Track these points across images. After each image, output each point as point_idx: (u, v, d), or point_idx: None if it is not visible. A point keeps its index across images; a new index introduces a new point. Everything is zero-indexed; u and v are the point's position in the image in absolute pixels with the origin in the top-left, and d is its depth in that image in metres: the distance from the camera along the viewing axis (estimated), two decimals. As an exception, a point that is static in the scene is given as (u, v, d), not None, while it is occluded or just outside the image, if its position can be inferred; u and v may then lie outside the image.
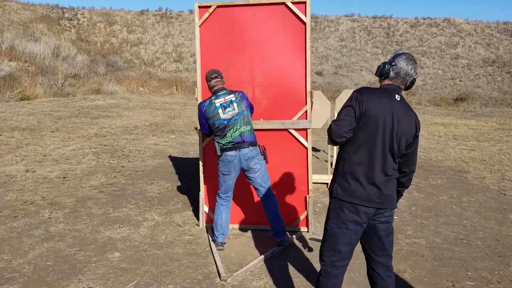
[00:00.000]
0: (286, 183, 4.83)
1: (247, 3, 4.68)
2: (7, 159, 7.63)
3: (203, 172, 5.00)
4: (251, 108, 4.44)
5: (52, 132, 10.30)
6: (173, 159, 8.24)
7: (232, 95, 4.26)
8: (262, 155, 4.35)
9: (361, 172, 2.71)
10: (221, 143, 4.20)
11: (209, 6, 4.76)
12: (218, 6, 4.74)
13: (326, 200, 6.11)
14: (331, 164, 7.47)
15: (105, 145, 9.06)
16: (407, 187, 2.96)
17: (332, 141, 2.80)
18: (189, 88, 22.45)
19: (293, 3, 4.59)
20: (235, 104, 4.22)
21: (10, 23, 23.46)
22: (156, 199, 5.90)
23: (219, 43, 4.80)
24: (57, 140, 9.41)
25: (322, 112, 6.96)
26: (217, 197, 4.50)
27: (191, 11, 27.44)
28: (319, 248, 2.95)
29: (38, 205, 5.44)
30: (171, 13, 27.01)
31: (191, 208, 5.57)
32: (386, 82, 2.81)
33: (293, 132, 4.73)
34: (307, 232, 4.84)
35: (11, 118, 11.89)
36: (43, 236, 4.50)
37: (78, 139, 9.66)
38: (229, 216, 4.54)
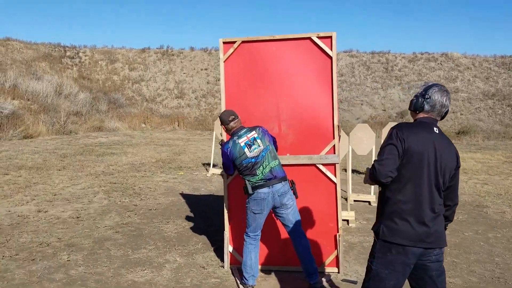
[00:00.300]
0: (314, 220, 4.68)
1: (272, 38, 4.65)
2: (17, 198, 7.44)
3: (228, 211, 4.85)
4: (274, 141, 4.35)
5: (59, 170, 10.14)
6: (185, 196, 8.08)
7: (254, 132, 4.18)
8: (291, 190, 4.23)
9: (409, 212, 2.64)
10: (252, 181, 4.07)
11: (234, 42, 4.73)
12: (243, 42, 4.72)
13: (350, 238, 5.93)
14: (346, 199, 7.33)
15: (115, 183, 8.90)
16: (451, 221, 2.91)
17: (377, 182, 2.71)
18: (191, 124, 22.46)
19: (319, 37, 4.56)
20: (259, 141, 4.14)
21: (13, 62, 23.62)
22: (175, 239, 5.71)
23: (244, 78, 4.74)
24: (65, 178, 9.24)
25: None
26: (245, 237, 4.34)
27: (192, 49, 27.80)
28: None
29: (55, 247, 5.24)
30: (172, 51, 27.31)
31: (212, 248, 5.38)
32: (421, 115, 2.80)
33: (321, 167, 4.62)
34: (338, 273, 4.65)
35: (16, 156, 11.74)
36: (64, 280, 4.29)
37: (86, 177, 9.50)
38: (258, 256, 4.37)
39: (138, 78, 25.26)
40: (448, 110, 2.81)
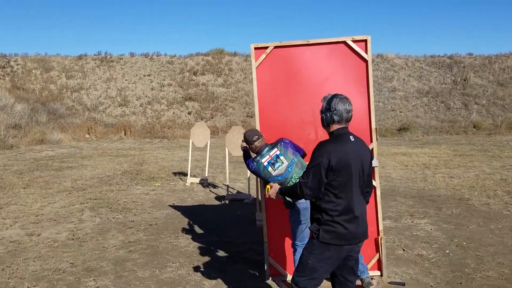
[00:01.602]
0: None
1: (306, 43, 4.58)
2: (-4, 222, 6.79)
3: (266, 223, 4.72)
4: (298, 149, 4.30)
5: (24, 188, 9.39)
6: (177, 208, 7.77)
7: (276, 149, 4.15)
8: None
9: (343, 217, 2.93)
10: None
11: (266, 47, 4.61)
12: (276, 47, 4.61)
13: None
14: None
15: (95, 199, 8.37)
16: (368, 202, 3.22)
17: (304, 199, 3.08)
18: (138, 132, 21.72)
19: (354, 41, 4.56)
20: (282, 157, 4.11)
21: None
22: (195, 254, 5.46)
23: (277, 84, 4.64)
24: (36, 197, 8.57)
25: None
26: (294, 247, 4.26)
27: (132, 54, 26.89)
28: (293, 277, 3.15)
29: (73, 273, 4.82)
30: (111, 57, 26.23)
31: (240, 261, 5.20)
32: (334, 127, 3.05)
33: (360, 172, 4.61)
34: (381, 276, 4.66)
35: (-34, 176, 10.73)
36: (111, 310, 3.96)
37: (59, 194, 8.86)
38: None
39: (77, 86, 24.00)
40: (352, 114, 3.09)
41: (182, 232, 6.32)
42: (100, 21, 66.54)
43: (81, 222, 6.84)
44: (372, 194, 4.61)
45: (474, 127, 22.68)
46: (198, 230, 6.49)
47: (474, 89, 25.30)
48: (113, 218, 7.07)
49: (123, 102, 23.53)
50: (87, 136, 21.31)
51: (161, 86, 24.61)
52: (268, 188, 3.47)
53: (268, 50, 4.60)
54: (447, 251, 5.42)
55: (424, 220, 6.77)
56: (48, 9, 62.46)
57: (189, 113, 23.13)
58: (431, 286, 4.47)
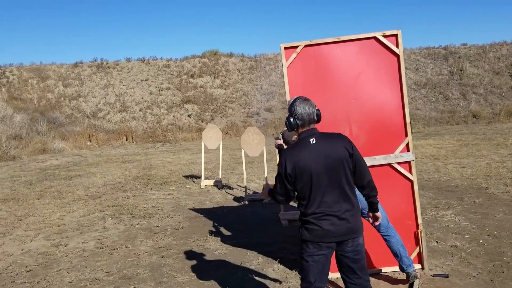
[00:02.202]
0: (392, 220, 4.66)
1: (336, 40, 4.57)
2: (19, 235, 6.72)
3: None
4: None
5: (38, 199, 9.31)
6: (199, 211, 7.74)
7: None
8: None
9: (318, 218, 2.97)
10: None
11: (296, 46, 4.60)
12: (306, 46, 4.59)
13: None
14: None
15: (114, 206, 8.32)
16: (376, 194, 3.19)
17: (281, 204, 3.32)
18: (140, 137, 21.63)
19: (385, 36, 4.56)
20: None
21: None
22: (229, 256, 5.44)
23: (309, 82, 4.62)
24: (53, 207, 8.50)
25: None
26: None
27: (129, 60, 26.75)
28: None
29: (111, 282, 4.78)
30: (107, 63, 26.07)
31: (276, 261, 5.17)
32: (300, 130, 3.10)
33: (396, 166, 4.61)
34: (422, 269, 4.66)
35: (-24, 189, 10.62)
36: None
37: (74, 203, 8.80)
38: None
39: (74, 94, 23.83)
40: (318, 113, 3.10)
41: (211, 235, 6.29)
42: (94, 28, 66.07)
43: (105, 230, 6.79)
44: (409, 188, 4.64)
45: (474, 116, 22.80)
46: (225, 232, 6.46)
47: (471, 79, 25.43)
48: (137, 224, 7.03)
49: (122, 107, 23.42)
50: (88, 143, 21.20)
51: (159, 90, 24.52)
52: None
53: (298, 49, 4.59)
54: (481, 241, 5.44)
55: (450, 211, 6.78)
56: (40, 18, 61.91)
57: (189, 116, 23.07)
58: (474, 276, 4.48)
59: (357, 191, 3.14)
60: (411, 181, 4.63)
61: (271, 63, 26.72)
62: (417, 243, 4.68)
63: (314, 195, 2.96)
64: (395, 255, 4.34)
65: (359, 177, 3.07)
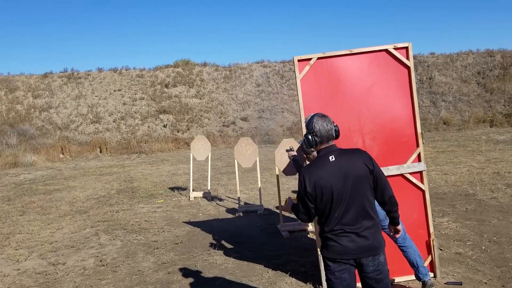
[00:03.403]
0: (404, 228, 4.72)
1: (348, 52, 4.63)
2: (12, 254, 6.45)
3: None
4: None
5: (21, 215, 8.98)
6: (194, 224, 7.63)
7: None
8: None
9: (336, 236, 2.95)
10: None
11: (309, 59, 4.63)
12: (319, 58, 4.63)
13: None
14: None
15: (104, 221, 8.10)
16: (397, 209, 3.18)
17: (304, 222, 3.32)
18: (114, 148, 21.21)
19: (395, 48, 4.64)
20: None
21: None
22: (238, 270, 5.38)
23: (322, 94, 4.65)
24: (40, 223, 8.21)
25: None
26: None
27: (100, 70, 26.27)
28: None
29: (123, 301, 4.64)
30: (78, 74, 25.50)
31: (288, 274, 5.14)
32: (319, 147, 3.08)
33: (408, 176, 4.68)
34: (434, 277, 4.73)
35: (-48, 206, 10.15)
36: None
37: (61, 219, 8.52)
38: None
39: (45, 105, 23.19)
40: (336, 129, 3.09)
41: (214, 249, 6.20)
42: (63, 37, 64.39)
43: (102, 247, 6.60)
44: (421, 197, 4.71)
45: (444, 124, 23.45)
46: (227, 245, 6.39)
47: (440, 87, 26.18)
48: (134, 239, 6.87)
49: (95, 119, 22.95)
50: (61, 156, 20.64)
51: (133, 101, 24.17)
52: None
53: (311, 62, 4.62)
54: (483, 247, 5.57)
55: (446, 218, 6.92)
56: (6, 27, 59.94)
57: (165, 126, 22.81)
58: (486, 283, 4.57)
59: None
60: (423, 191, 4.71)
61: (245, 73, 26.78)
62: (429, 251, 4.75)
63: (333, 212, 2.93)
64: (412, 265, 4.40)
65: (381, 193, 3.05)
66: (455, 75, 27.03)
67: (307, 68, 4.62)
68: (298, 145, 6.66)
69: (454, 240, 5.91)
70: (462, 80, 26.66)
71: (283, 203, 8.03)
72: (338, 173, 2.92)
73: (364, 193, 2.95)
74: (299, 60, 4.63)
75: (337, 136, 3.09)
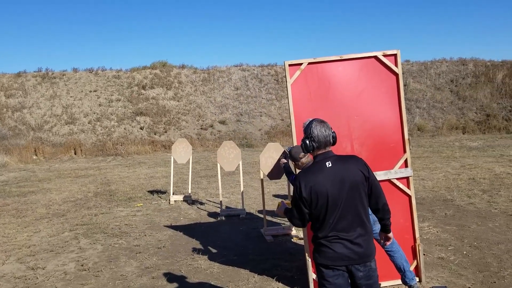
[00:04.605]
0: (391, 234, 4.77)
1: (339, 58, 4.67)
2: (-12, 258, 6.25)
3: (308, 239, 4.70)
4: None
5: (-5, 218, 8.72)
6: (176, 228, 7.54)
7: None
8: None
9: (329, 242, 2.96)
10: None
11: (300, 64, 4.64)
12: (310, 63, 4.65)
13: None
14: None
15: (83, 224, 7.94)
16: (389, 216, 3.18)
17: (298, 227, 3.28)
18: (89, 150, 20.84)
19: (384, 55, 4.70)
20: None
21: None
22: (222, 275, 5.33)
23: (312, 99, 4.68)
24: (16, 226, 7.99)
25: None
26: None
27: (76, 70, 25.81)
28: None
29: (108, 306, 4.55)
30: (53, 73, 24.98)
31: (275, 279, 5.13)
32: (315, 153, 3.08)
33: (395, 181, 4.74)
34: (419, 282, 4.79)
35: None
36: None
37: (38, 222, 8.32)
38: None
39: (18, 105, 22.63)
40: (333, 135, 3.09)
41: (197, 253, 6.14)
42: (37, 36, 62.81)
43: (82, 251, 6.46)
44: (407, 202, 4.78)
45: (419, 130, 23.86)
46: (211, 249, 6.34)
47: (415, 94, 26.65)
48: (115, 243, 6.75)
49: (70, 120, 22.52)
50: (34, 157, 20.17)
51: (109, 102, 23.82)
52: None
53: (302, 67, 4.64)
54: (464, 252, 5.68)
55: (426, 223, 7.03)
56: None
57: (141, 128, 22.55)
58: (469, 287, 4.66)
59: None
60: (409, 196, 4.78)
61: (224, 76, 26.72)
62: (415, 256, 4.81)
63: (328, 218, 2.93)
64: (399, 269, 4.45)
65: (375, 200, 3.05)
66: (429, 82, 27.58)
67: (297, 73, 4.63)
68: (283, 149, 6.68)
69: (436, 245, 6.01)
70: (436, 87, 27.22)
71: (272, 208, 8.04)
72: (334, 179, 2.92)
73: (359, 200, 2.96)
74: (290, 65, 4.64)
75: (334, 142, 3.09)
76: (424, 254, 5.59)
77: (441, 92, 26.87)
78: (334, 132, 3.11)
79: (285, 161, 4.73)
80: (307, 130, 3.07)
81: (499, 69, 26.79)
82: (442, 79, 27.87)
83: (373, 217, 4.08)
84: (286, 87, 4.71)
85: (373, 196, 3.03)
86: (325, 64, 4.67)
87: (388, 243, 3.39)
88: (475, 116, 24.37)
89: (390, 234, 3.32)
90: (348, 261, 2.94)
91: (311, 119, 3.16)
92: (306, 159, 4.41)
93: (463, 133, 22.83)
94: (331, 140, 3.06)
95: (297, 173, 4.63)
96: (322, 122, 3.08)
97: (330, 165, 2.97)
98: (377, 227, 3.99)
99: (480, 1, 61.73)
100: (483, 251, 5.68)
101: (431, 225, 6.93)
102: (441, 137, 22.41)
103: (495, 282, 4.73)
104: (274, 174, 6.80)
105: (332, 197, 2.90)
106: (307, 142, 3.05)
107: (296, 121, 4.65)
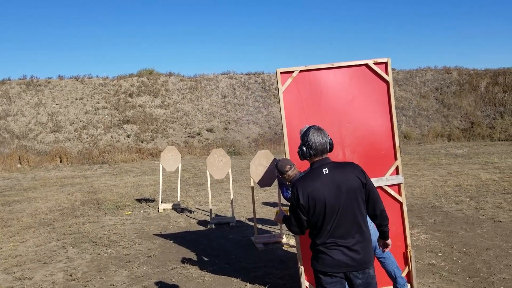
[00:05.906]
0: (382, 241, 4.79)
1: (330, 66, 4.70)
2: (-27, 269, 6.13)
3: (300, 246, 4.70)
4: None
5: (-20, 228, 8.56)
6: (166, 237, 7.48)
7: None
8: None
9: (327, 248, 2.97)
10: None
11: (292, 72, 4.67)
12: (301, 71, 4.67)
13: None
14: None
15: (71, 234, 7.83)
16: (387, 223, 3.23)
17: (296, 234, 3.27)
18: (75, 158, 20.62)
19: (375, 63, 4.74)
20: None
21: None
22: (214, 284, 5.30)
23: (304, 107, 4.70)
24: (1, 236, 7.85)
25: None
26: None
27: (61, 77, 25.58)
28: None
29: (99, 317, 4.48)
30: (38, 81, 24.73)
31: (266, 287, 5.11)
32: (312, 160, 3.09)
33: (387, 188, 4.76)
34: (412, 288, 4.81)
35: None
36: None
37: (24, 231, 8.18)
38: None
39: (2, 113, 22.33)
40: (330, 143, 3.10)
41: (188, 262, 6.09)
42: (22, 43, 62.01)
43: (71, 261, 6.36)
44: (398, 209, 4.81)
45: (405, 137, 24.07)
46: (201, 258, 6.30)
47: (401, 102, 26.91)
48: (104, 253, 6.66)
49: (55, 128, 22.28)
50: (19, 166, 19.91)
51: (95, 110, 23.64)
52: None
53: (294, 74, 4.66)
54: (454, 258, 5.72)
55: (416, 230, 7.08)
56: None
57: (128, 136, 22.40)
58: (460, 293, 4.69)
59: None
60: (401, 203, 4.81)
61: (211, 84, 26.71)
62: (406, 263, 4.83)
63: (326, 225, 2.93)
64: (390, 276, 4.47)
65: (372, 206, 3.06)
66: (415, 90, 27.89)
67: (289, 80, 4.65)
68: (273, 157, 6.68)
69: (426, 251, 6.05)
70: (421, 95, 27.54)
71: (262, 215, 8.02)
72: (331, 185, 2.93)
73: (357, 207, 2.97)
74: (281, 73, 4.66)
75: (331, 150, 3.10)
76: (415, 261, 5.63)
77: (426, 100, 27.18)
78: (331, 139, 3.12)
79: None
80: (304, 137, 3.08)
81: (483, 77, 27.20)
82: (427, 87, 28.21)
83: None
84: (278, 94, 4.72)
85: (370, 202, 3.04)
86: (316, 71, 4.70)
87: (387, 249, 3.40)
88: (460, 123, 24.69)
89: (389, 241, 3.33)
90: (346, 268, 2.93)
91: (308, 126, 3.18)
92: (293, 171, 4.47)
93: (449, 141, 23.10)
94: (328, 148, 3.08)
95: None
96: (319, 129, 3.09)
97: (327, 171, 2.97)
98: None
99: (463, 10, 62.76)
100: (473, 257, 5.73)
101: (421, 232, 6.98)
102: (427, 144, 22.64)
103: (485, 288, 4.77)
104: (265, 181, 6.79)
105: (330, 204, 2.91)
106: (304, 149, 3.05)
107: (288, 128, 4.66)
